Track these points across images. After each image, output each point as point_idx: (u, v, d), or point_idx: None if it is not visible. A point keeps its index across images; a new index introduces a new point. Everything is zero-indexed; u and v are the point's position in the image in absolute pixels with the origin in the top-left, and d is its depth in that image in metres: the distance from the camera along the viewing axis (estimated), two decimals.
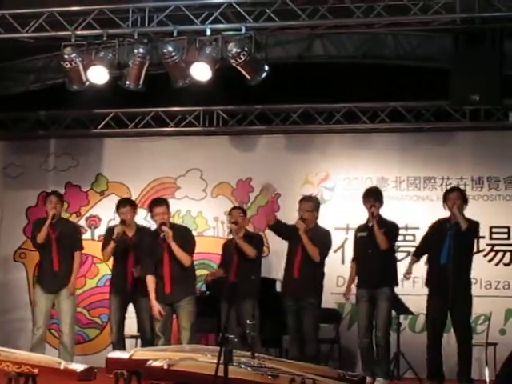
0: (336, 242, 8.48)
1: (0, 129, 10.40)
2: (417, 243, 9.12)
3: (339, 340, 9.04)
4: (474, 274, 7.70)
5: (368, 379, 7.42)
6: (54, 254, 8.12)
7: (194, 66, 7.72)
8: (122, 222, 8.03)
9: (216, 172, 9.99)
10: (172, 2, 7.83)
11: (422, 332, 8.58)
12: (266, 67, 7.83)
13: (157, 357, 5.76)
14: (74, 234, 8.38)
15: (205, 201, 10.05)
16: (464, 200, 7.63)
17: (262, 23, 7.71)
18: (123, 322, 8.15)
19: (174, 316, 7.53)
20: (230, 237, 8.22)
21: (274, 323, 8.34)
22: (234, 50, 7.52)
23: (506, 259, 9.25)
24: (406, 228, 9.33)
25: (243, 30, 7.61)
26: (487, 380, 8.35)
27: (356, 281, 7.98)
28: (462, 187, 8.66)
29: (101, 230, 9.98)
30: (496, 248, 9.25)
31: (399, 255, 8.89)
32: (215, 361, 5.09)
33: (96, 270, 10.00)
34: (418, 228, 9.29)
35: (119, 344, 7.99)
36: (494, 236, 9.24)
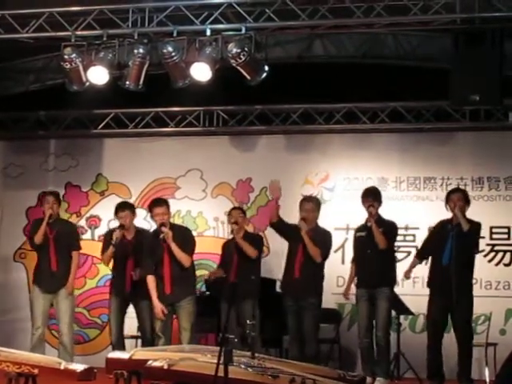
0: (336, 242, 8.48)
1: (0, 129, 10.40)
2: (417, 243, 9.17)
3: (339, 340, 9.04)
4: (474, 275, 7.69)
5: (368, 379, 7.42)
6: (52, 254, 8.11)
7: (193, 66, 7.72)
8: (121, 226, 8.05)
9: (216, 172, 9.99)
10: (172, 2, 7.83)
11: (422, 332, 8.59)
12: (266, 67, 7.83)
13: (157, 357, 5.75)
14: (71, 234, 8.37)
15: (205, 201, 10.05)
16: (466, 201, 7.62)
17: (261, 23, 7.71)
18: (123, 323, 8.15)
19: (174, 316, 7.53)
20: (231, 237, 8.22)
21: (274, 323, 8.34)
22: (234, 50, 7.53)
23: (506, 259, 9.25)
24: (406, 228, 9.34)
25: (243, 30, 7.61)
26: (487, 380, 8.35)
27: (356, 281, 7.98)
28: (462, 187, 8.66)
29: (101, 230, 9.99)
30: (496, 248, 9.25)
31: (399, 255, 8.91)
32: (215, 361, 5.09)
33: (96, 271, 10.01)
34: (417, 228, 9.31)
35: (119, 344, 7.99)
36: (494, 236, 9.24)
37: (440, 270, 7.50)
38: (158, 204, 7.56)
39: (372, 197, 7.88)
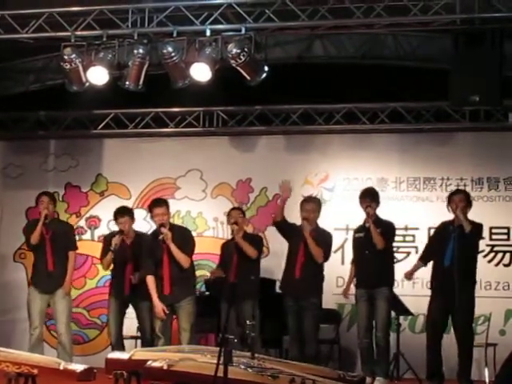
0: (336, 242, 8.48)
1: (0, 129, 10.40)
2: (416, 244, 9.19)
3: (339, 340, 9.04)
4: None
5: (368, 379, 7.43)
6: (49, 254, 8.10)
7: (193, 66, 7.72)
8: (121, 231, 8.06)
9: (216, 172, 9.99)
10: (172, 3, 7.83)
11: (422, 332, 8.58)
12: (266, 68, 7.83)
13: (156, 357, 5.76)
14: (67, 234, 8.36)
15: (205, 201, 10.05)
16: (468, 202, 7.61)
17: (261, 24, 7.70)
18: (122, 324, 8.17)
19: (174, 316, 7.53)
20: (231, 237, 8.22)
21: (274, 323, 8.33)
22: (234, 51, 7.52)
23: (506, 260, 9.24)
24: (406, 228, 9.34)
25: (243, 31, 7.60)
26: (487, 381, 8.35)
27: (355, 281, 7.99)
28: (461, 188, 8.66)
29: (100, 231, 10.00)
30: (496, 249, 9.24)
31: (399, 256, 8.91)
32: (215, 361, 5.09)
33: (96, 271, 10.00)
34: (417, 228, 9.31)
35: (118, 345, 8.01)
36: (494, 237, 9.23)
37: (442, 271, 7.48)
38: (157, 204, 7.56)
39: (369, 197, 7.89)
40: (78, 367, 5.82)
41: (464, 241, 7.39)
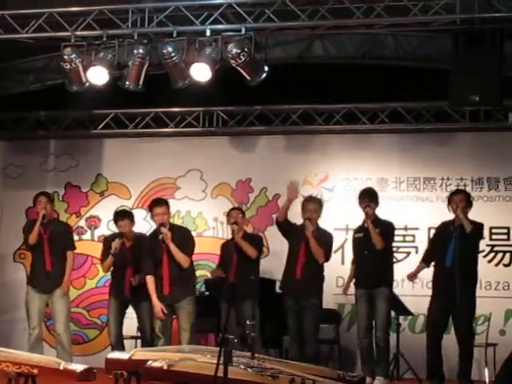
0: (336, 242, 8.47)
1: (0, 129, 10.40)
2: (416, 244, 9.19)
3: (339, 341, 9.04)
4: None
5: (368, 379, 7.43)
6: (47, 254, 8.10)
7: (193, 66, 7.72)
8: (121, 235, 8.06)
9: (216, 173, 9.99)
10: (172, 3, 7.83)
11: (422, 333, 8.58)
12: (266, 68, 7.83)
13: (156, 357, 5.76)
14: (65, 234, 8.36)
15: (204, 201, 10.05)
16: (468, 202, 7.60)
17: (261, 24, 7.71)
18: (122, 324, 8.17)
19: (174, 316, 7.53)
20: (231, 237, 8.22)
21: (274, 323, 8.33)
22: (234, 51, 7.52)
23: (506, 260, 9.24)
24: (406, 229, 9.34)
25: (243, 31, 7.60)
26: (487, 381, 8.35)
27: (355, 281, 7.99)
28: (461, 188, 8.66)
29: (100, 231, 10.01)
30: (496, 249, 9.24)
31: (399, 256, 8.92)
32: (215, 361, 5.09)
33: (96, 271, 9.99)
34: (417, 229, 9.31)
35: (118, 345, 8.01)
36: (494, 237, 9.23)
37: (443, 271, 7.47)
38: (158, 204, 7.56)
39: (368, 197, 7.88)
40: (78, 367, 5.82)
41: (465, 241, 7.38)
